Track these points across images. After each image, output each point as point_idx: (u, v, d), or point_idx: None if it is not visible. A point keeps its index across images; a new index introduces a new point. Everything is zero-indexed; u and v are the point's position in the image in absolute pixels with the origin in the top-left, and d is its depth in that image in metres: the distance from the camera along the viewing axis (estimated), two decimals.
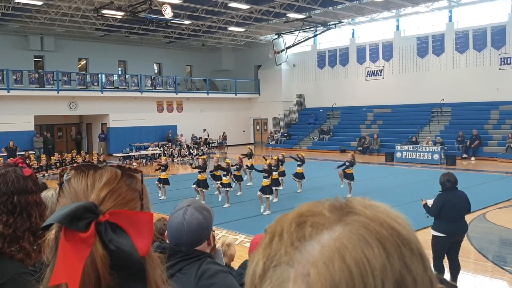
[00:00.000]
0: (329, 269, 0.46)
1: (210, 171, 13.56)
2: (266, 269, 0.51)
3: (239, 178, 13.83)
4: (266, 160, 13.12)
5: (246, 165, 15.57)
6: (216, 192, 13.66)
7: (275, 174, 12.41)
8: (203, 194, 12.78)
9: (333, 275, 0.45)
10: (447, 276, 6.34)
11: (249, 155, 16.51)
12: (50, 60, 28.94)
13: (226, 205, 12.13)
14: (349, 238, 0.48)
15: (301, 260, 0.48)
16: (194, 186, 12.88)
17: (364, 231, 0.48)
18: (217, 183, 13.32)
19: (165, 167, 13.70)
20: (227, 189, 12.48)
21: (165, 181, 13.59)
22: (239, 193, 13.78)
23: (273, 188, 11.93)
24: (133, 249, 0.76)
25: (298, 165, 14.06)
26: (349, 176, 13.01)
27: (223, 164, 12.91)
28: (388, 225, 0.50)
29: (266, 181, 11.47)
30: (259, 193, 11.62)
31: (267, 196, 11.38)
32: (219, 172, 13.40)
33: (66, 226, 0.74)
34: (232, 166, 13.59)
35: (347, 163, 13.01)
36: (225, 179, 12.58)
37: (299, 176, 14.07)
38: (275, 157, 13.71)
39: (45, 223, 0.76)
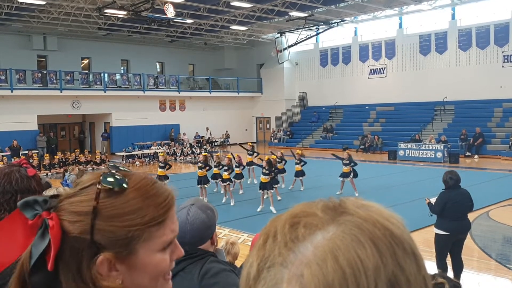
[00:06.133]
0: (322, 270, 0.46)
1: (213, 174, 13.54)
2: (260, 270, 0.51)
3: (239, 176, 13.74)
4: (273, 154, 13.14)
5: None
6: (221, 191, 13.66)
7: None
8: (205, 190, 12.76)
9: (326, 275, 0.46)
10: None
11: (251, 152, 16.32)
12: (53, 59, 29.01)
13: (232, 203, 12.11)
14: (342, 238, 0.48)
15: (294, 261, 0.48)
16: (199, 186, 12.80)
17: (357, 231, 0.48)
18: (218, 181, 13.35)
19: (164, 164, 13.34)
20: (227, 183, 12.43)
21: (164, 178, 13.14)
22: (240, 192, 13.78)
23: (273, 186, 11.89)
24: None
25: (296, 163, 14.08)
26: (347, 175, 13.00)
27: (225, 160, 12.84)
28: (381, 225, 0.50)
29: (265, 178, 11.47)
30: (260, 191, 11.66)
31: (268, 191, 11.38)
32: (218, 170, 13.33)
33: (19, 209, 0.80)
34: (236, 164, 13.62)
35: (344, 161, 12.99)
36: (225, 175, 12.48)
37: (299, 174, 14.09)
38: (274, 156, 13.72)
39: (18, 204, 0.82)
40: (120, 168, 0.89)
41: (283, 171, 14.19)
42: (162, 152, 16.84)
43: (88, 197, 0.81)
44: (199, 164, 12.97)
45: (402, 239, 0.50)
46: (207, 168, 12.75)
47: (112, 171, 0.86)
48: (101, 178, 0.83)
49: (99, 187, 0.81)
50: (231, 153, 14.07)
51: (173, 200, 0.88)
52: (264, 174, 11.56)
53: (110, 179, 0.82)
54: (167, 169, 13.33)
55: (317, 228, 0.50)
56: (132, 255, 0.82)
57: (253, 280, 0.51)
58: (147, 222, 0.82)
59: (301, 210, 0.53)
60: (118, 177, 0.83)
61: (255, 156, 15.95)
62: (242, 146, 17.28)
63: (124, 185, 0.83)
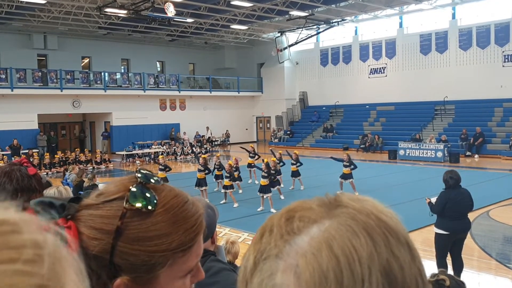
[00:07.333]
0: (317, 259, 0.47)
1: (215, 175, 13.58)
2: (257, 262, 0.51)
3: (237, 179, 13.74)
4: (274, 153, 13.10)
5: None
6: (221, 190, 13.66)
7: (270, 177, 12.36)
8: (205, 192, 12.81)
9: (321, 264, 0.47)
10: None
11: (253, 155, 16.37)
12: (53, 58, 29.00)
13: (235, 205, 12.15)
14: (337, 229, 0.49)
15: (290, 252, 0.49)
16: (196, 188, 12.84)
17: (351, 222, 0.50)
18: (218, 182, 13.35)
19: (164, 167, 13.51)
20: (230, 190, 12.47)
21: (164, 180, 13.31)
22: (240, 191, 13.77)
23: (271, 187, 11.89)
24: None
25: (292, 164, 14.10)
26: (347, 176, 12.99)
27: (227, 167, 12.87)
28: (375, 216, 0.51)
29: (264, 181, 11.51)
30: (259, 194, 11.69)
31: (267, 195, 11.41)
32: (220, 171, 13.39)
33: (33, 209, 0.71)
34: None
35: (344, 163, 12.98)
36: (227, 181, 12.51)
37: (295, 174, 14.11)
38: (273, 158, 13.73)
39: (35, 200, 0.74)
40: (150, 178, 0.79)
41: (279, 172, 14.20)
42: (161, 155, 17.07)
43: (111, 214, 0.73)
44: (199, 167, 13.04)
45: (396, 229, 0.51)
46: (206, 172, 12.84)
47: (141, 184, 0.77)
48: (128, 194, 0.74)
49: (126, 206, 0.73)
50: (231, 159, 14.11)
51: (202, 223, 0.80)
52: (263, 177, 11.65)
53: (139, 198, 0.74)
54: (166, 172, 13.41)
55: (313, 221, 0.51)
56: (152, 281, 0.75)
57: (250, 273, 0.52)
58: (174, 249, 0.74)
59: (297, 205, 0.55)
60: (148, 196, 0.75)
61: (256, 159, 15.98)
62: (243, 148, 17.28)
63: (152, 207, 0.75)
